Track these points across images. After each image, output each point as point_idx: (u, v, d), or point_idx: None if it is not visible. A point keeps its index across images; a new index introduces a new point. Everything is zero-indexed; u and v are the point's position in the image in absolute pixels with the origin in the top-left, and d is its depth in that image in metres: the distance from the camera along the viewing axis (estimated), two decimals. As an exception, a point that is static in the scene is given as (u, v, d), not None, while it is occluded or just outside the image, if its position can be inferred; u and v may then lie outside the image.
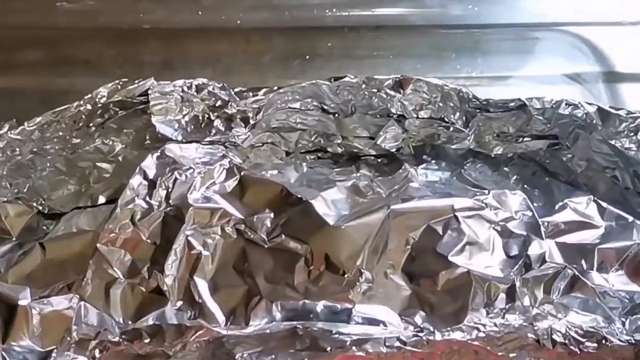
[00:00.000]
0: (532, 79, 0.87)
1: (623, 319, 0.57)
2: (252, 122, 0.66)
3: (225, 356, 0.54)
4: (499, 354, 0.52)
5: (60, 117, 0.66)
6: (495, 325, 0.55)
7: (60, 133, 0.67)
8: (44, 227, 0.67)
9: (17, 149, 0.66)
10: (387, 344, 0.53)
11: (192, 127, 0.65)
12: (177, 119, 0.65)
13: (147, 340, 0.56)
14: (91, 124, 0.68)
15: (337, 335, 0.54)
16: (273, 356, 0.53)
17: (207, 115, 0.66)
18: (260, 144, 0.70)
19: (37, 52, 0.89)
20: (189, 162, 0.63)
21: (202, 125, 0.65)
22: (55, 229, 0.66)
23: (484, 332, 0.54)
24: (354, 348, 0.53)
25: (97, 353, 0.55)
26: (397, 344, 0.53)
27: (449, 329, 0.54)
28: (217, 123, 0.66)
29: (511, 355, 0.52)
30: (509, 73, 0.88)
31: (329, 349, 0.53)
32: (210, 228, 0.59)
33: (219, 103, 0.66)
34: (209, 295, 0.58)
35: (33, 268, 0.61)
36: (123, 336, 0.56)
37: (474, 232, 0.58)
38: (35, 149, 0.66)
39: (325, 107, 0.67)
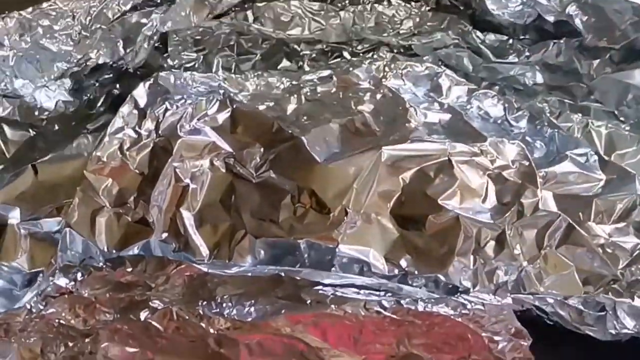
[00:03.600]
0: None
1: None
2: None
3: (207, 295, 0.53)
4: (483, 334, 0.50)
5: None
6: (483, 304, 0.53)
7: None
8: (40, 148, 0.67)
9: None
10: (366, 306, 0.51)
11: None
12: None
13: (129, 269, 0.55)
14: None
15: (319, 288, 0.53)
16: (253, 301, 0.52)
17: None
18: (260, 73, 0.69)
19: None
20: (181, 91, 0.62)
21: None
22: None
23: (468, 309, 0.52)
24: (333, 306, 0.51)
25: (79, 276, 0.55)
26: (377, 308, 0.51)
27: (432, 300, 0.52)
28: None
29: (496, 337, 0.50)
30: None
31: (308, 301, 0.52)
32: (199, 161, 0.58)
33: None
34: (194, 228, 0.57)
35: (24, 189, 0.61)
36: (107, 263, 0.55)
37: (467, 177, 0.57)
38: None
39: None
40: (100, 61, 0.71)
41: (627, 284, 0.55)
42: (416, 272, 0.55)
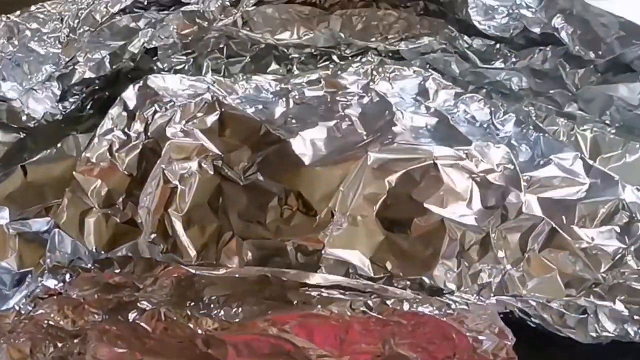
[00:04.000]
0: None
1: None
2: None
3: (194, 295, 0.53)
4: (467, 334, 0.51)
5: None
6: (467, 304, 0.53)
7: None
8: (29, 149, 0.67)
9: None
10: (352, 306, 0.52)
11: None
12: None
13: (117, 270, 0.56)
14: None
15: (305, 289, 0.54)
16: (240, 302, 0.52)
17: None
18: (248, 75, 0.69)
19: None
20: (170, 94, 0.62)
21: None
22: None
23: (453, 309, 0.52)
24: (319, 307, 0.52)
25: (67, 278, 0.55)
26: (363, 308, 0.52)
27: (417, 300, 0.53)
28: None
29: (480, 337, 0.51)
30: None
31: (295, 302, 0.52)
32: (187, 163, 0.59)
33: None
34: (182, 229, 0.58)
35: (13, 189, 0.63)
36: (95, 264, 0.56)
37: (452, 181, 0.57)
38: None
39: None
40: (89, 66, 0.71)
41: (608, 288, 0.56)
42: (401, 274, 0.56)
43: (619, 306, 0.55)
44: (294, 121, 0.62)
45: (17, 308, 0.53)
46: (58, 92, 0.69)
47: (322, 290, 0.53)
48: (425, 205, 0.56)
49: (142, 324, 0.51)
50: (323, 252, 0.55)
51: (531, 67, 0.71)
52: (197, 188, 0.58)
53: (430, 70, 0.71)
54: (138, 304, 0.52)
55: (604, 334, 0.54)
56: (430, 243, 0.56)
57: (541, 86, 0.71)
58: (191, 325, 0.51)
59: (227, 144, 0.59)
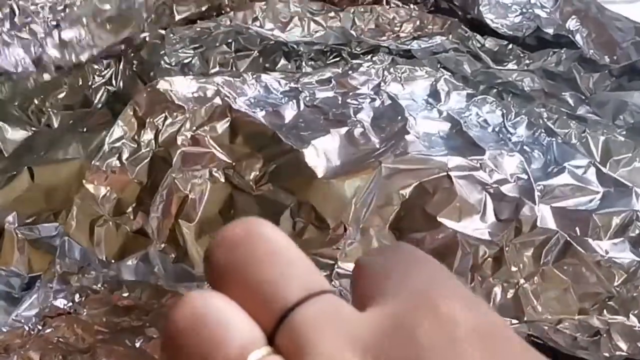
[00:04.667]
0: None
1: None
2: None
3: None
4: None
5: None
6: None
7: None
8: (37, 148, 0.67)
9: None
10: None
11: None
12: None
13: (125, 294, 0.56)
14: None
15: None
16: None
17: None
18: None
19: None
20: (180, 97, 0.61)
21: None
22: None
23: None
24: None
25: (76, 298, 0.55)
26: None
27: None
28: None
29: None
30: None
31: None
32: (198, 171, 0.58)
33: None
34: (193, 239, 0.57)
35: (20, 192, 0.62)
36: (104, 285, 0.56)
37: (466, 193, 0.57)
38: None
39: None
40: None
41: (622, 302, 0.55)
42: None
43: (633, 321, 0.54)
44: (305, 127, 0.61)
45: (26, 328, 0.54)
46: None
47: None
48: (439, 218, 0.56)
49: (149, 351, 0.52)
50: (335, 266, 0.55)
51: (544, 69, 0.70)
52: (208, 197, 0.58)
53: (442, 70, 0.71)
54: (145, 330, 0.53)
55: (618, 353, 0.54)
56: (444, 257, 0.55)
57: (554, 88, 0.70)
58: None
59: (238, 152, 0.59)
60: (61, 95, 0.73)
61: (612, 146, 0.66)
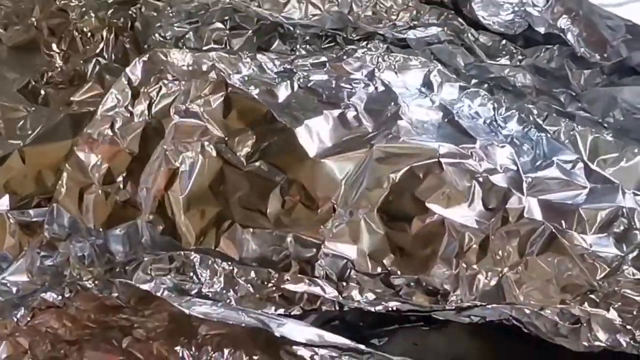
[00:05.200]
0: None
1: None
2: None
3: (189, 330, 0.54)
4: None
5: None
6: None
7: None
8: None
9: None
10: None
11: None
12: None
13: (115, 294, 0.55)
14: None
15: (298, 348, 0.52)
16: (232, 347, 0.52)
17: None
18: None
19: None
20: (176, 70, 0.61)
21: None
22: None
23: None
24: None
25: (66, 292, 0.55)
26: None
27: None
28: None
29: None
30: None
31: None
32: (190, 144, 0.58)
33: None
34: (182, 212, 0.57)
35: (11, 176, 0.62)
36: (96, 282, 0.56)
37: (455, 180, 0.57)
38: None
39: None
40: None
41: (603, 295, 0.56)
42: (399, 272, 0.56)
43: (612, 314, 0.55)
44: (298, 107, 0.61)
45: (15, 319, 0.54)
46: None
47: (316, 349, 0.52)
48: (427, 204, 0.56)
49: (135, 352, 0.52)
50: (322, 246, 0.55)
51: (536, 65, 0.70)
52: (199, 171, 0.58)
53: (434, 61, 0.71)
54: (133, 332, 0.53)
55: (596, 343, 0.55)
56: (430, 242, 0.56)
57: (545, 84, 0.71)
58: None
59: (231, 127, 0.59)
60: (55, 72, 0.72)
61: (600, 145, 0.66)
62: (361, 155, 0.57)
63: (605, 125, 0.69)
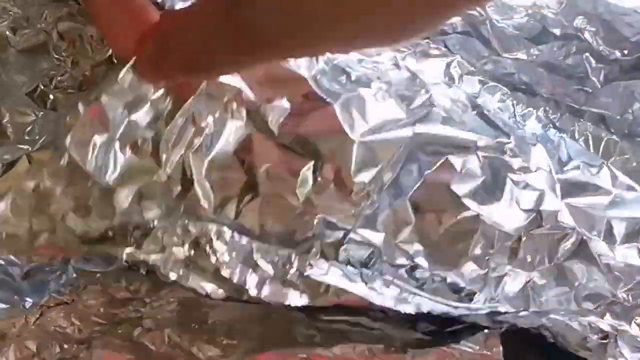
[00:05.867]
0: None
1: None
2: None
3: (199, 317, 0.53)
4: None
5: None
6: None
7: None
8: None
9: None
10: (356, 350, 0.52)
11: None
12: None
13: (124, 285, 0.55)
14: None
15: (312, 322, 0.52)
16: (243, 332, 0.52)
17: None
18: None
19: None
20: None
21: None
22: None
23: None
24: (320, 348, 0.52)
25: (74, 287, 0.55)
26: (367, 352, 0.52)
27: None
28: None
29: None
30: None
31: (298, 339, 0.52)
32: (220, 105, 0.54)
33: None
34: (202, 175, 0.54)
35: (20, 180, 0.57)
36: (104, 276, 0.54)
37: (492, 176, 0.55)
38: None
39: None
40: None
41: (627, 308, 0.55)
42: (425, 266, 0.54)
43: (635, 330, 0.54)
44: (329, 83, 0.58)
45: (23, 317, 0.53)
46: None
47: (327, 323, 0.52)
48: (462, 199, 0.54)
49: (146, 342, 0.51)
50: (351, 231, 0.53)
51: (551, 62, 0.69)
52: (226, 134, 0.54)
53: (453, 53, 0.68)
54: (142, 322, 0.53)
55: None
56: (461, 239, 0.54)
57: (560, 82, 0.69)
58: (194, 351, 0.51)
59: (267, 93, 0.55)
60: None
61: (612, 147, 0.65)
62: (400, 140, 0.54)
63: (613, 129, 0.67)
